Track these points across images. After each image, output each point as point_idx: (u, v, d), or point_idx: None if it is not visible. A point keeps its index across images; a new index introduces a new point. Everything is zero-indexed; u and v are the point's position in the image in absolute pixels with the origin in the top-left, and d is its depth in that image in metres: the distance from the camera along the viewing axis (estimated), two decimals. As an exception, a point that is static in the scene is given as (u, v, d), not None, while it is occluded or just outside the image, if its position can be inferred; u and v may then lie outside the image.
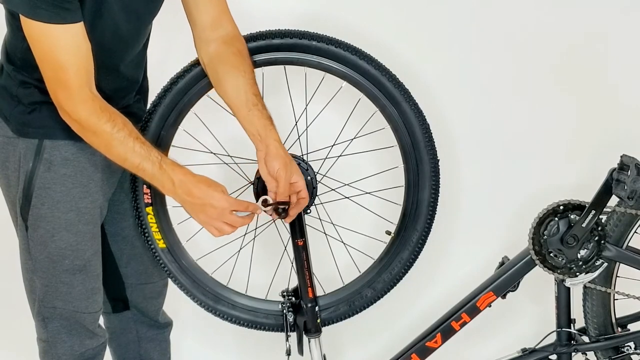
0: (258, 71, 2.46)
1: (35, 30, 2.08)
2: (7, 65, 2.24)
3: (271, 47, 2.43)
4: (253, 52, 2.42)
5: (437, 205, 2.53)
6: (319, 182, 2.53)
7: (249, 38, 2.43)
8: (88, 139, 2.18)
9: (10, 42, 2.23)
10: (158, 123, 2.44)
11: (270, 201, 2.32)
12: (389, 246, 2.59)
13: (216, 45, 2.34)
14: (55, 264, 2.27)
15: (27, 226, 2.26)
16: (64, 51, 2.09)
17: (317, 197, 2.51)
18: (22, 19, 2.08)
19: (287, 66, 2.49)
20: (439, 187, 2.53)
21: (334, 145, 2.63)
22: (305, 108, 2.58)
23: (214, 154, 2.55)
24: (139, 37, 2.30)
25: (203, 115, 2.62)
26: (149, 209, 2.49)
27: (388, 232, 2.60)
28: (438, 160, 2.51)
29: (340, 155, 2.64)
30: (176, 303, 2.78)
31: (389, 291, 2.60)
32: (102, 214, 2.37)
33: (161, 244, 2.52)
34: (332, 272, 2.69)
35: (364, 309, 2.61)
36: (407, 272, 2.58)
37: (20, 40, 2.16)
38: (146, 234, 2.50)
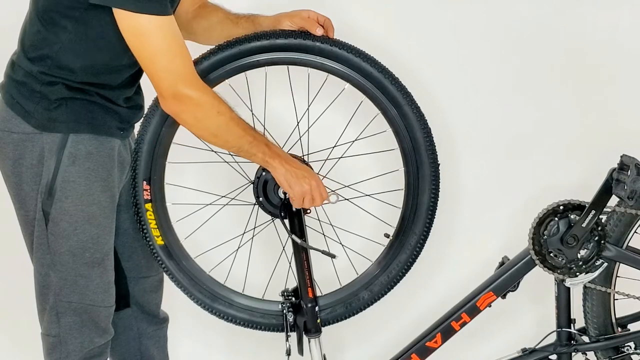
0: (261, 70, 2.47)
1: (145, 25, 2.12)
2: (30, 65, 2.23)
3: (275, 47, 2.42)
4: (256, 51, 2.42)
5: (436, 209, 2.53)
6: (319, 183, 2.54)
7: (253, 37, 2.43)
8: (209, 120, 2.24)
9: (39, 41, 2.22)
10: (159, 121, 2.44)
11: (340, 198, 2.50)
12: (387, 248, 2.60)
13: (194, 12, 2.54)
14: (76, 257, 2.28)
15: (48, 220, 2.26)
16: (175, 39, 2.17)
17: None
18: (123, 17, 2.12)
19: (290, 66, 2.49)
20: (439, 191, 2.52)
21: (335, 146, 2.63)
22: (308, 109, 2.58)
23: (215, 152, 2.55)
24: None
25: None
26: (149, 206, 2.48)
27: (386, 235, 2.59)
28: (438, 164, 2.51)
29: (341, 157, 2.64)
30: (174, 302, 2.77)
31: (386, 294, 2.60)
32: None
33: (159, 241, 2.51)
34: (330, 273, 2.69)
35: (361, 310, 2.61)
36: (404, 275, 2.58)
37: (57, 36, 2.19)
38: (145, 231, 2.49)
